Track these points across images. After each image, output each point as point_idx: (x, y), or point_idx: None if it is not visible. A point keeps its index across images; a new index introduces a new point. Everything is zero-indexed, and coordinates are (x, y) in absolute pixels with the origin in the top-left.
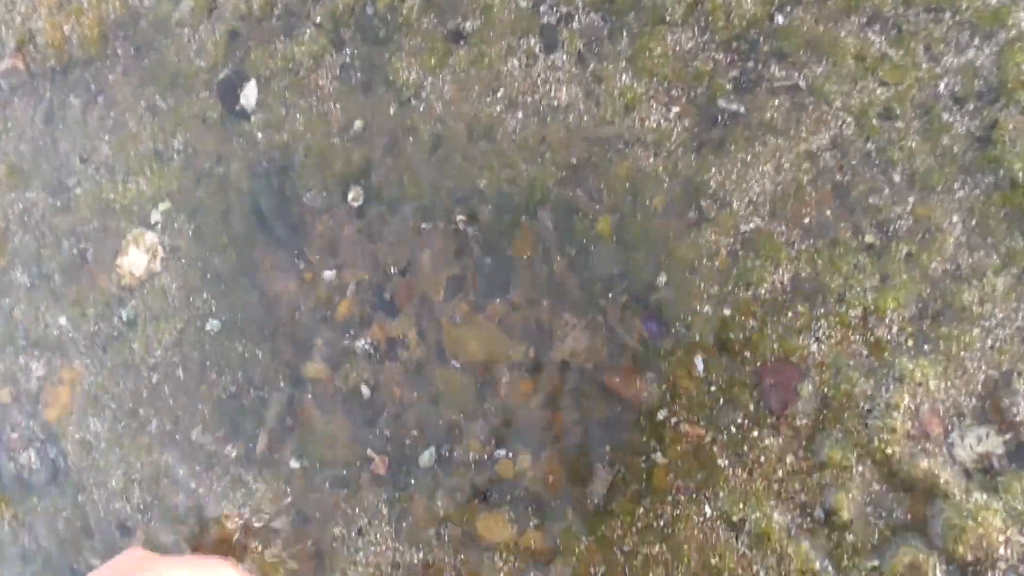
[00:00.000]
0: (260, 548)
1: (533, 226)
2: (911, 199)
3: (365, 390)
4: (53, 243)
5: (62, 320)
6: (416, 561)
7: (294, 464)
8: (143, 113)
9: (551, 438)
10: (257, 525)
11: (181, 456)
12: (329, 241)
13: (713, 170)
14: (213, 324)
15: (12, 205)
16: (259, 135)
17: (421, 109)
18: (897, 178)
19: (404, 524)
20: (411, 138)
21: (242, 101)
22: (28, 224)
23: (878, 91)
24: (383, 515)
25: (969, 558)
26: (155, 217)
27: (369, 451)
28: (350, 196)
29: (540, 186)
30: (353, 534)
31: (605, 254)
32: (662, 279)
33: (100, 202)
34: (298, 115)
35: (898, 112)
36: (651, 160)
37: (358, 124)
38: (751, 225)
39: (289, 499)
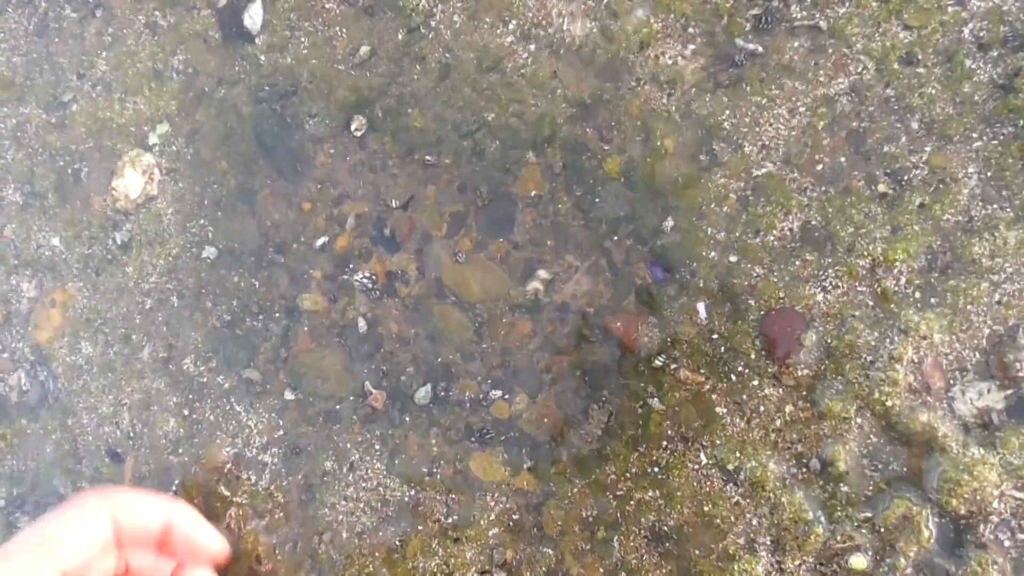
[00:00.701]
0: (251, 479)
1: (540, 163)
2: (927, 148)
3: (362, 324)
4: (47, 161)
5: (55, 241)
6: (407, 498)
7: (288, 396)
8: (142, 30)
9: (548, 381)
10: (248, 456)
11: (173, 384)
12: (330, 171)
13: (727, 112)
14: (209, 251)
15: (4, 120)
16: (262, 58)
17: (430, 37)
18: (915, 126)
19: (396, 461)
20: (418, 67)
21: (246, 22)
22: (21, 140)
23: (901, 35)
24: (375, 451)
25: (962, 511)
26: (153, 139)
27: (367, 385)
28: (353, 125)
29: (549, 122)
30: (344, 469)
31: (612, 195)
32: (669, 223)
33: (96, 121)
34: (303, 39)
35: (920, 57)
36: (664, 100)
37: (364, 50)
38: (763, 170)
39: (281, 431)
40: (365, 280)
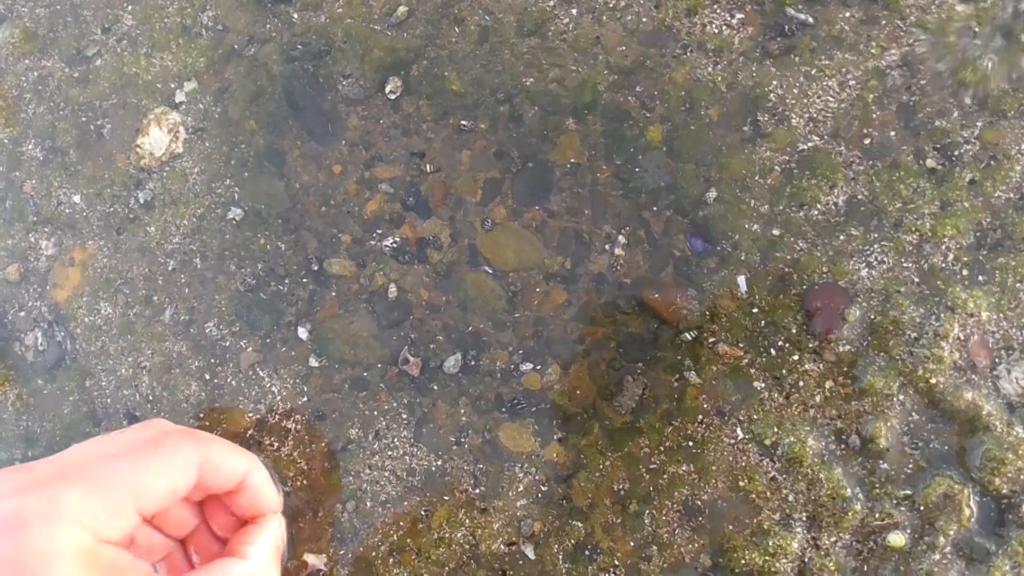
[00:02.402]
0: (273, 445)
1: (580, 131)
2: (979, 124)
3: (392, 290)
4: (69, 116)
5: (76, 198)
6: (434, 468)
7: (313, 363)
8: None
9: (581, 352)
10: (271, 422)
11: (195, 347)
12: (363, 134)
13: (774, 83)
14: (235, 212)
15: (26, 72)
16: (295, 16)
17: None
18: (967, 101)
19: (424, 430)
20: (457, 29)
21: None
22: (43, 94)
23: (958, 7)
24: (402, 419)
25: (1005, 491)
26: (179, 96)
27: (406, 351)
28: (388, 88)
29: (590, 88)
30: (370, 437)
31: (653, 165)
32: (711, 194)
33: (121, 76)
34: None
35: (976, 31)
36: (710, 69)
37: (402, 10)
38: (809, 144)
39: (306, 398)
40: (395, 245)
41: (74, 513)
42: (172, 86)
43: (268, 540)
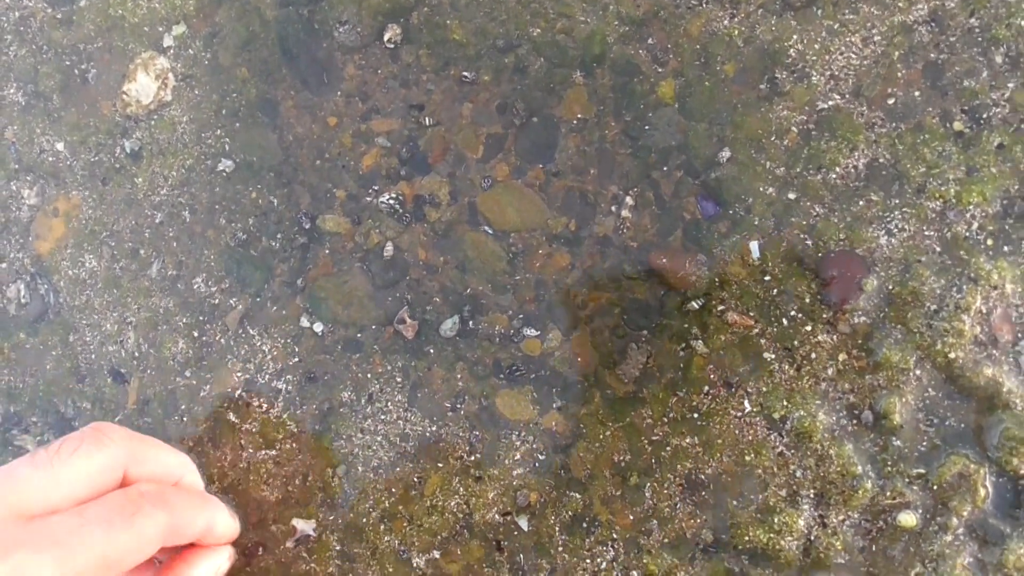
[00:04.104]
0: (263, 406)
1: (587, 85)
2: (1011, 84)
3: (388, 249)
4: (52, 60)
5: (59, 146)
6: (428, 433)
7: (304, 322)
8: None
9: (584, 318)
10: (260, 382)
11: (182, 304)
12: (359, 84)
13: (795, 37)
14: (225, 164)
15: (7, 12)
16: None
17: None
18: (999, 60)
19: (419, 394)
20: None
21: None
22: (24, 36)
23: None
24: (397, 383)
25: (1023, 471)
26: (168, 41)
27: (403, 312)
28: (387, 35)
29: (599, 40)
30: (363, 400)
31: (664, 123)
32: (725, 154)
33: (107, 19)
34: None
35: None
36: (726, 22)
37: None
38: (829, 103)
39: (297, 359)
40: (392, 202)
41: None
42: (160, 30)
43: (210, 568)
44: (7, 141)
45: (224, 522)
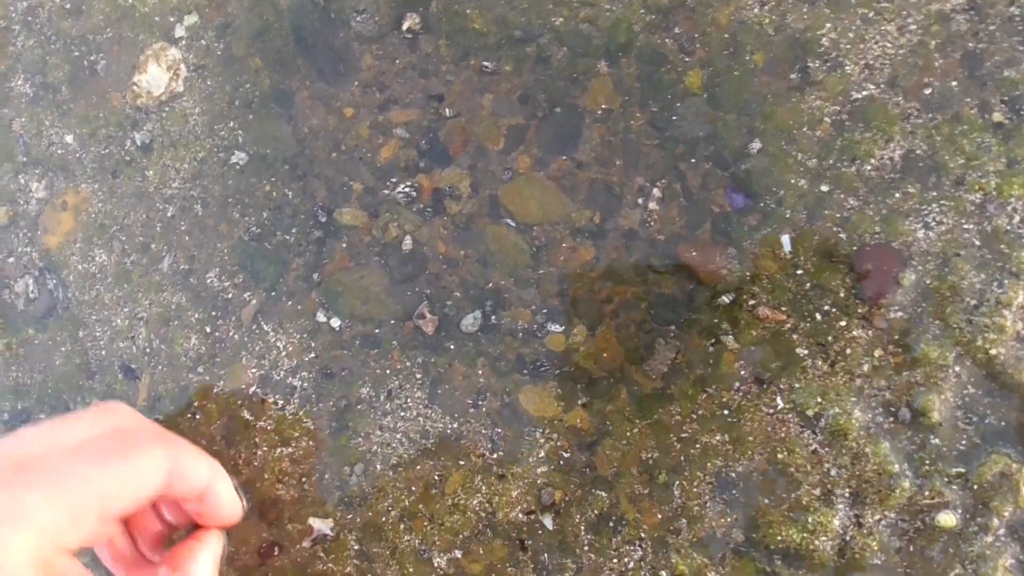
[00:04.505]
0: (278, 403)
1: (612, 74)
2: None
3: (407, 243)
4: (61, 51)
5: (68, 138)
6: (449, 431)
7: (320, 317)
8: None
9: (609, 312)
10: (275, 379)
11: (195, 299)
12: (377, 74)
13: (828, 26)
14: (239, 157)
15: (14, 2)
16: None
17: None
18: None
19: (439, 391)
20: None
21: None
22: (32, 26)
23: None
24: (416, 379)
25: None
26: (179, 31)
27: (423, 307)
28: (405, 24)
29: (625, 29)
30: (382, 397)
31: (692, 113)
32: (755, 146)
33: (117, 8)
34: None
35: None
36: (756, 10)
37: None
38: (863, 93)
39: (313, 354)
40: (411, 195)
41: (36, 518)
42: (171, 20)
43: (210, 559)
44: (15, 133)
45: (228, 491)
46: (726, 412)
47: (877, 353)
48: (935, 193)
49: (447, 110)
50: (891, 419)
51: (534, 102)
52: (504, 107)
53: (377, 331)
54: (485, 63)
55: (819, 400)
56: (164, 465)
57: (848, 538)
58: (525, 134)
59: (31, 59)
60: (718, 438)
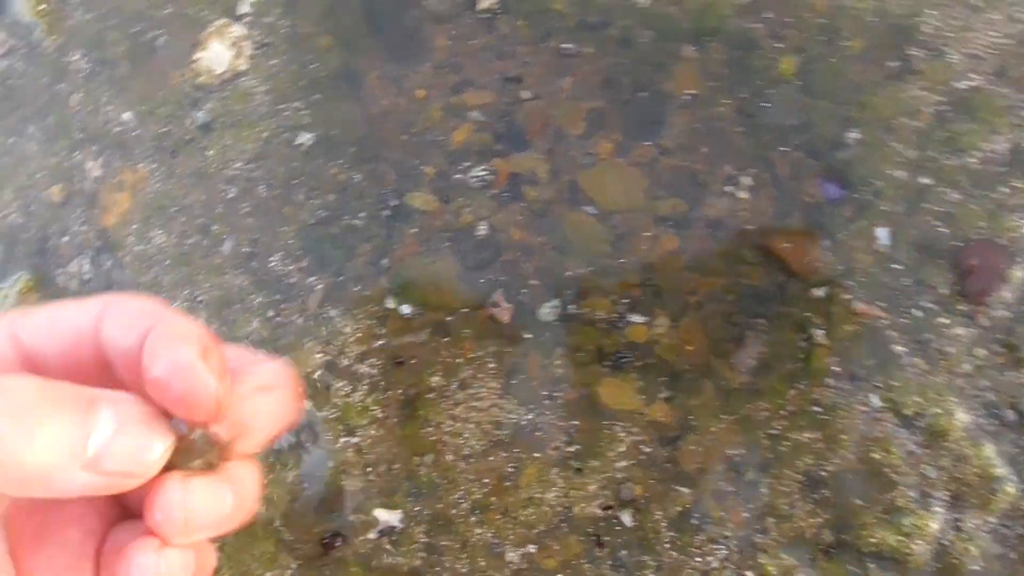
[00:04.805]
0: (345, 390)
1: (699, 59)
2: None
3: (482, 228)
4: (120, 26)
5: (126, 116)
6: (523, 423)
7: (390, 304)
8: None
9: (695, 304)
10: (342, 366)
11: (257, 282)
12: (451, 55)
13: (931, 13)
14: (305, 138)
15: None
16: None
17: None
18: None
19: (513, 381)
20: None
21: None
22: (91, 1)
23: None
24: (490, 369)
25: None
26: (243, 8)
27: (498, 295)
28: (481, 4)
29: (715, 12)
30: (454, 386)
31: (784, 100)
32: (852, 135)
33: None
34: None
35: None
36: None
37: None
38: (967, 83)
39: (382, 341)
40: (486, 179)
41: None
42: None
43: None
44: (72, 109)
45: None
46: (817, 409)
47: (980, 352)
48: None
49: (525, 93)
50: (995, 420)
51: (616, 86)
52: (585, 90)
53: (449, 319)
54: (566, 45)
55: (918, 399)
56: (93, 308)
57: (946, 543)
58: (606, 119)
59: (88, 34)
60: (808, 435)
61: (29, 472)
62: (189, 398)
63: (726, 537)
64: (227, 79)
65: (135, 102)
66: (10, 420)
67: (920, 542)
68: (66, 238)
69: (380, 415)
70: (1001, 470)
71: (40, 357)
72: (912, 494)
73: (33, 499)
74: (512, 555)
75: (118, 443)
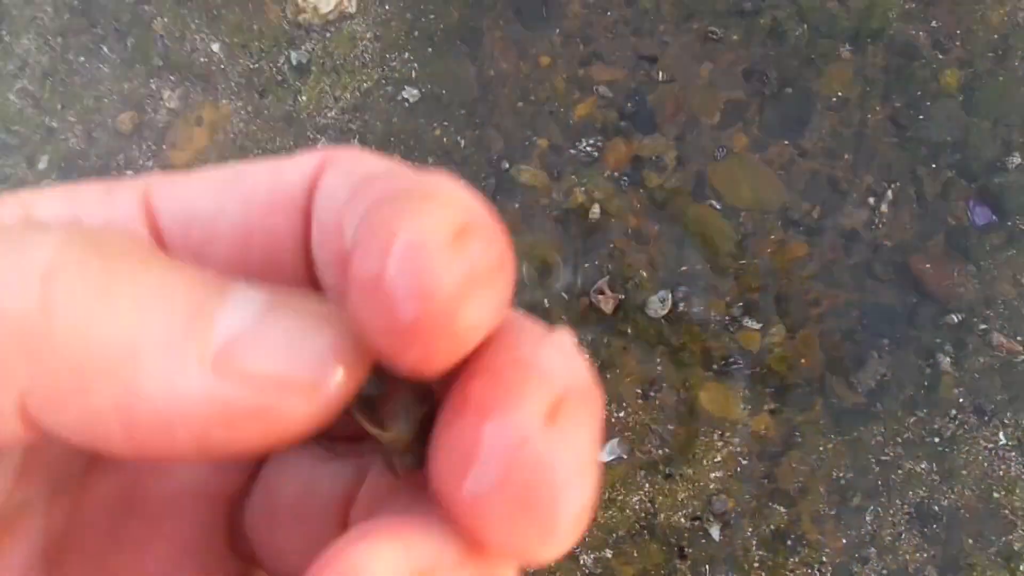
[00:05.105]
0: None
1: (855, 61)
2: None
3: (595, 211)
4: None
5: (215, 47)
6: (613, 420)
7: None
8: None
9: (816, 316)
10: None
11: None
12: (583, 24)
13: None
14: (410, 93)
15: None
16: None
17: None
18: None
19: (607, 375)
20: None
21: None
22: None
23: None
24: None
25: None
26: None
27: (602, 283)
28: None
29: (879, 13)
30: None
31: (943, 115)
32: (1015, 160)
33: None
34: None
35: None
36: None
37: None
38: None
39: None
40: (605, 159)
41: None
42: None
43: None
44: (155, 33)
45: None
46: (937, 440)
47: None
48: None
49: (660, 74)
50: None
51: (761, 78)
52: (725, 79)
53: (546, 301)
54: (712, 29)
55: None
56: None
57: None
58: (746, 111)
59: None
60: (924, 466)
61: (112, 372)
62: (414, 322)
63: (822, 563)
64: (332, 20)
65: (227, 33)
66: (85, 285)
67: None
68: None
69: None
70: None
71: (184, 252)
72: None
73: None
74: (586, 558)
75: (267, 333)
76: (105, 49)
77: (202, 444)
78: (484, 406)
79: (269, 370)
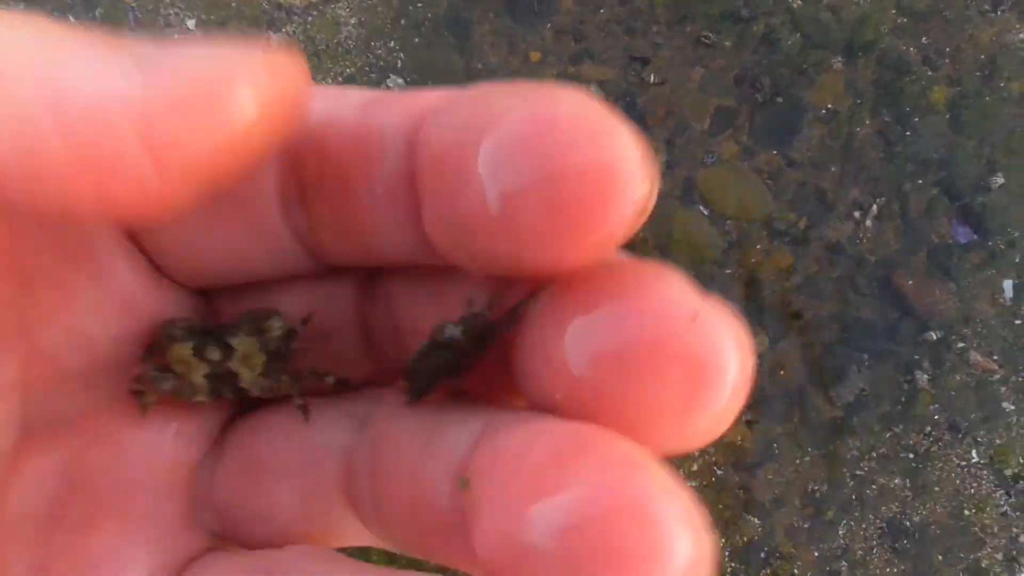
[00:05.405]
0: None
1: (847, 73)
2: None
3: None
4: None
5: (190, 23)
6: None
7: None
8: None
9: (798, 327)
10: None
11: None
12: (575, 21)
13: None
14: (395, 82)
15: None
16: None
17: None
18: None
19: None
20: None
21: None
22: None
23: None
24: None
25: None
26: None
27: None
28: None
29: (871, 26)
30: None
31: (930, 132)
32: (997, 180)
33: None
34: None
35: None
36: None
37: None
38: None
39: None
40: None
41: None
42: None
43: None
44: (127, 4)
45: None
46: (911, 456)
47: None
48: None
49: (651, 76)
50: None
51: (752, 85)
52: (717, 85)
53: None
54: (705, 33)
55: (1022, 461)
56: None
57: None
58: (736, 118)
59: None
60: (897, 481)
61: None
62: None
63: (794, 575)
64: (315, 2)
65: (203, 9)
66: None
67: None
68: None
69: None
70: None
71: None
72: (999, 556)
73: None
74: None
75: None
76: (71, 18)
77: (147, 141)
78: (646, 286)
79: (192, 69)
